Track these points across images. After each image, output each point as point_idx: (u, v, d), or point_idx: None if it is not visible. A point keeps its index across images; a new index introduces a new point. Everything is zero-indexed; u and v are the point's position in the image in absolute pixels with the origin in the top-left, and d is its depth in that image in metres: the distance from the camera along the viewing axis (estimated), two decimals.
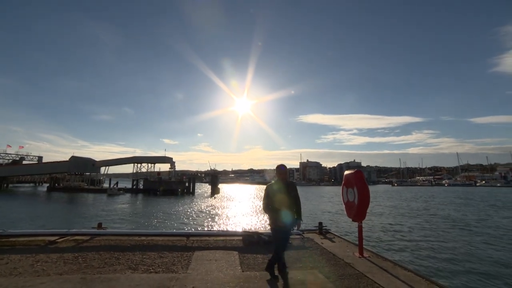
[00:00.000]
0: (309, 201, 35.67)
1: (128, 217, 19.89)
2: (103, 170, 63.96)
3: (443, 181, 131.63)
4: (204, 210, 23.83)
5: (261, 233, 6.12)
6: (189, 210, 23.89)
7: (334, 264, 4.43)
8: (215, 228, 14.83)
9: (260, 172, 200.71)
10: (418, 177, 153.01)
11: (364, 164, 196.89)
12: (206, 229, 14.15)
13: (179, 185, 53.21)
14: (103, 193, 46.80)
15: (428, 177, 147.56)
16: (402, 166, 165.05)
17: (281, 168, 3.84)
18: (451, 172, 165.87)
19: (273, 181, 3.87)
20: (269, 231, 7.00)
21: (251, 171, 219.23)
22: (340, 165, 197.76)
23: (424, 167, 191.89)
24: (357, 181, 4.86)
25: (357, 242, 6.55)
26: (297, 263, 4.48)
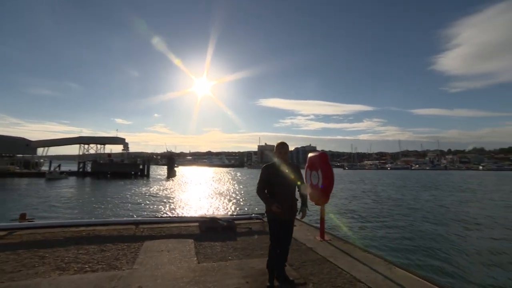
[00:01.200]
0: None
1: (69, 204, 17.70)
2: (41, 151, 56.51)
3: (387, 165, 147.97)
4: (159, 194, 22.48)
5: (219, 218, 5.76)
6: (142, 194, 22.38)
7: (296, 249, 4.27)
8: (168, 214, 13.89)
9: (219, 155, 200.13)
10: (366, 162, 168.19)
11: (319, 148, 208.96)
12: (158, 215, 13.27)
13: (132, 167, 49.89)
14: (41, 177, 41.52)
15: (374, 162, 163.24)
16: (353, 151, 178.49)
17: (282, 146, 3.18)
18: (394, 157, 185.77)
19: (273, 162, 3.22)
20: (228, 216, 6.71)
21: (209, 153, 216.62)
22: (296, 149, 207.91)
23: (372, 152, 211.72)
24: (322, 164, 4.70)
25: (316, 225, 6.61)
26: (258, 250, 4.23)
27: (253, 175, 61.49)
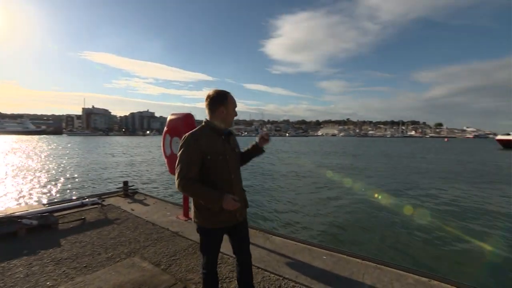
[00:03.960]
0: (97, 154, 30.11)
1: None
2: None
3: None
4: None
5: (22, 216, 3.67)
6: None
7: (158, 238, 3.34)
8: None
9: (18, 118, 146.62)
10: None
11: (157, 114, 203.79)
12: None
13: None
14: None
15: None
16: None
17: (223, 97, 1.70)
18: None
19: (207, 125, 1.73)
20: (42, 208, 4.39)
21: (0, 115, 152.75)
22: (132, 114, 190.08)
23: None
24: (188, 128, 3.82)
25: (177, 201, 5.77)
26: (102, 253, 2.93)
27: (78, 144, 48.98)
